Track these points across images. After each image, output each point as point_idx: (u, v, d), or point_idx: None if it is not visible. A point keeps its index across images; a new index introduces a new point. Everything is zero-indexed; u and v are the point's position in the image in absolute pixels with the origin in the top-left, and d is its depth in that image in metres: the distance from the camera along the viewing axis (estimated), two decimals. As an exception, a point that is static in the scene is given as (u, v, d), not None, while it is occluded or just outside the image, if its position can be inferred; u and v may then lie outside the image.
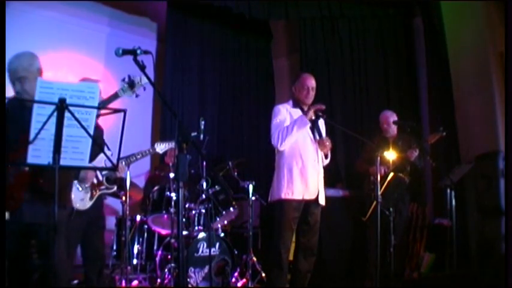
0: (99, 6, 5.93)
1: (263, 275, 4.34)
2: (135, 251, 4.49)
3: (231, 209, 4.52)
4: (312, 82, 3.75)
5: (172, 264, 4.02)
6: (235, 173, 4.72)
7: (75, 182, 3.08)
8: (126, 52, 2.22)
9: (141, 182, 5.26)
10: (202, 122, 4.34)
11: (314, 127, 3.71)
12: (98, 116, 2.64)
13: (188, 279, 3.98)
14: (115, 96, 2.72)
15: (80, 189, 3.11)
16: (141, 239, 4.55)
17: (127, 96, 2.76)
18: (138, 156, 3.71)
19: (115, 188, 3.38)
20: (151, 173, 5.72)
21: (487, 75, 5.19)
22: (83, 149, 2.21)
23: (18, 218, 2.41)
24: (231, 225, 5.28)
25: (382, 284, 3.77)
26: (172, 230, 4.22)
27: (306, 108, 3.74)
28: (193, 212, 4.42)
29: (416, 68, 6.07)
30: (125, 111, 2.23)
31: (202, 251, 4.14)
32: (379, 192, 3.54)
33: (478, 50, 5.32)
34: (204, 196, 4.36)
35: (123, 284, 3.86)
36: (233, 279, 4.25)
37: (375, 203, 3.59)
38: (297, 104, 3.76)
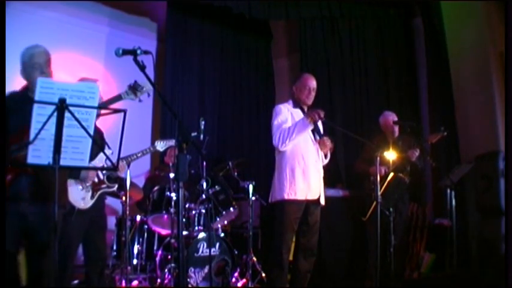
0: (99, 6, 5.92)
1: (263, 275, 4.35)
2: (135, 251, 4.50)
3: (231, 209, 4.52)
4: (313, 83, 3.75)
5: (172, 264, 4.02)
6: (235, 173, 4.72)
7: (76, 181, 3.08)
8: (126, 52, 2.22)
9: (141, 182, 5.26)
10: (202, 122, 4.34)
11: (314, 127, 3.71)
12: (98, 115, 2.65)
13: (188, 279, 3.98)
14: (118, 98, 2.73)
15: (81, 188, 3.11)
16: (141, 239, 4.55)
17: (130, 99, 2.77)
18: (139, 155, 3.71)
19: (116, 186, 3.38)
20: (150, 173, 5.73)
21: (487, 75, 5.19)
22: (83, 149, 2.21)
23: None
24: (231, 225, 5.28)
25: (382, 284, 3.77)
26: (172, 230, 4.22)
27: (306, 109, 3.74)
28: (193, 212, 4.42)
29: (416, 68, 6.08)
30: (125, 111, 2.23)
31: (202, 251, 4.14)
32: (379, 193, 3.55)
33: (478, 50, 5.32)
34: (204, 196, 4.36)
35: (123, 284, 3.86)
36: (233, 279, 4.26)
37: (375, 203, 3.60)
38: (297, 104, 3.75)
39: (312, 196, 3.60)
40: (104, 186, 3.26)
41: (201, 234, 4.19)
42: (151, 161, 6.03)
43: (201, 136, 4.33)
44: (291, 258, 3.76)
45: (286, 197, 3.54)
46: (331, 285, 4.74)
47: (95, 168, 2.98)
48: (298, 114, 3.69)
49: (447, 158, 5.40)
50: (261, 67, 7.02)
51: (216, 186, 4.55)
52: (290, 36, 6.94)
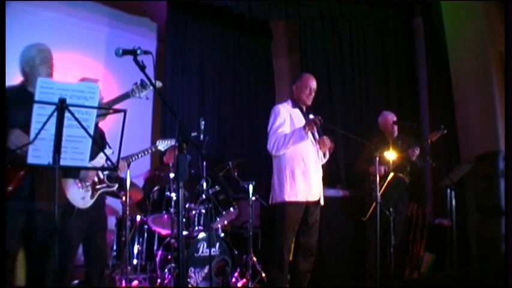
0: (99, 6, 5.92)
1: (263, 275, 4.35)
2: (135, 251, 4.50)
3: (231, 209, 4.52)
4: (314, 83, 3.73)
5: (173, 264, 4.02)
6: (235, 173, 4.72)
7: (75, 180, 3.08)
8: (126, 52, 2.22)
9: (141, 182, 5.26)
10: (202, 122, 4.34)
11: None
12: (102, 115, 2.66)
13: (188, 279, 3.98)
14: (125, 96, 2.77)
15: (80, 188, 3.11)
16: (141, 239, 4.55)
17: (137, 98, 2.82)
18: (140, 155, 3.71)
19: (116, 186, 3.38)
20: (150, 173, 5.73)
21: (487, 75, 5.19)
22: (83, 149, 2.21)
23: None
24: (231, 225, 5.28)
25: (382, 284, 3.77)
26: (172, 230, 4.22)
27: (304, 109, 3.72)
28: (194, 212, 4.43)
29: (416, 68, 6.08)
30: (125, 111, 2.23)
31: (202, 251, 4.14)
32: (379, 193, 3.55)
33: (478, 50, 5.31)
34: (204, 196, 4.36)
35: (123, 284, 3.86)
36: (233, 279, 4.26)
37: (375, 203, 3.60)
38: (296, 104, 3.73)
39: (313, 197, 3.59)
40: (103, 185, 3.26)
41: (201, 234, 4.19)
42: (151, 161, 6.03)
43: (201, 136, 4.33)
44: (290, 258, 3.76)
45: (286, 198, 3.53)
46: (331, 285, 4.73)
47: (95, 168, 2.98)
48: (297, 114, 3.68)
49: (447, 158, 5.40)
50: (261, 67, 7.02)
51: (216, 186, 4.55)
52: (290, 36, 6.93)
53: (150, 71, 2.19)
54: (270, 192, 3.74)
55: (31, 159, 2.13)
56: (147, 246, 4.56)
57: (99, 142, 3.02)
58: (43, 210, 2.56)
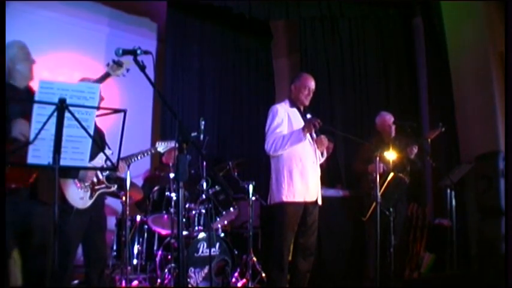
0: (99, 7, 5.92)
1: (263, 275, 4.35)
2: (135, 251, 4.50)
3: (231, 209, 4.52)
4: (312, 83, 3.72)
5: (173, 265, 4.02)
6: (235, 173, 4.72)
7: (75, 181, 3.08)
8: (126, 52, 2.22)
9: (140, 182, 5.26)
10: (202, 122, 4.34)
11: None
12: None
13: (188, 280, 3.98)
14: (106, 76, 2.99)
15: (79, 188, 3.11)
16: (141, 239, 4.55)
17: (117, 75, 3.04)
18: (139, 156, 3.71)
19: (115, 187, 3.37)
20: (149, 173, 5.73)
21: (487, 75, 5.19)
22: (83, 149, 2.21)
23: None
24: (231, 225, 5.28)
25: (382, 284, 3.76)
26: (172, 230, 4.22)
27: (302, 109, 3.71)
28: (194, 212, 4.42)
29: (416, 68, 6.08)
30: (125, 111, 2.23)
31: (202, 251, 4.14)
32: (379, 193, 3.54)
33: (478, 50, 5.32)
34: (204, 196, 4.36)
35: (123, 284, 3.86)
36: (233, 280, 4.25)
37: (375, 203, 3.60)
38: (294, 103, 3.72)
39: (310, 198, 3.59)
40: (102, 186, 3.26)
41: (201, 234, 4.19)
42: (151, 161, 6.04)
43: (201, 136, 4.33)
44: (290, 258, 3.76)
45: (284, 199, 3.53)
46: (330, 285, 4.73)
47: (95, 169, 2.98)
48: (295, 114, 3.67)
49: (447, 158, 5.40)
50: (261, 67, 7.02)
51: (216, 186, 4.55)
52: (290, 36, 6.94)
53: (150, 71, 2.19)
54: (268, 192, 3.74)
55: (31, 159, 2.13)
56: (147, 246, 4.56)
57: (98, 142, 3.02)
58: (39, 210, 2.57)
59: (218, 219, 4.47)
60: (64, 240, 2.70)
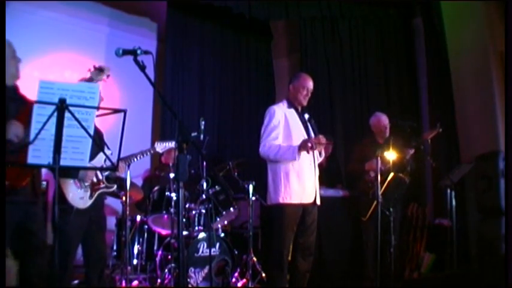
0: (99, 7, 5.93)
1: (263, 275, 4.34)
2: (135, 251, 4.50)
3: (231, 209, 4.52)
4: (311, 84, 3.70)
5: (173, 265, 4.02)
6: (235, 173, 4.72)
7: (75, 180, 3.08)
8: (126, 52, 2.22)
9: (140, 182, 5.26)
10: (202, 122, 4.33)
11: (307, 127, 3.67)
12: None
13: (188, 280, 3.98)
14: (90, 80, 3.05)
15: (79, 188, 3.11)
16: (141, 239, 4.55)
17: (99, 80, 3.12)
18: (139, 156, 3.71)
19: (115, 187, 3.37)
20: (149, 173, 5.73)
21: (487, 75, 5.19)
22: (83, 149, 2.21)
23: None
24: (231, 226, 5.28)
25: (382, 284, 3.76)
26: (172, 230, 4.22)
27: (300, 109, 3.70)
28: (194, 212, 4.42)
29: (416, 68, 6.08)
30: (125, 111, 2.23)
31: (202, 251, 4.14)
32: (379, 192, 3.55)
33: (478, 49, 5.32)
34: (204, 196, 4.35)
35: (123, 284, 3.86)
36: (233, 280, 4.26)
37: (375, 203, 3.59)
38: (291, 104, 3.70)
39: (307, 200, 3.57)
40: (102, 186, 3.26)
41: (201, 234, 4.19)
42: (151, 161, 6.04)
43: (201, 136, 4.33)
44: (289, 258, 3.76)
45: (281, 201, 3.51)
46: (331, 285, 4.73)
47: (95, 169, 2.98)
48: (292, 114, 3.65)
49: (447, 158, 5.40)
50: (261, 67, 7.02)
51: (216, 186, 4.55)
52: (290, 36, 6.94)
53: (150, 71, 2.19)
54: (265, 194, 3.73)
55: (31, 159, 2.13)
56: (147, 246, 4.56)
57: (98, 142, 3.02)
58: (34, 210, 2.58)
59: (218, 219, 4.47)
60: (64, 240, 2.71)
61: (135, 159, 3.68)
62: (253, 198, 4.50)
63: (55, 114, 2.08)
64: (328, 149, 3.74)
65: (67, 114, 2.10)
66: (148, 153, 3.84)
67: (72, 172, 3.00)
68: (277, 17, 6.14)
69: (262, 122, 3.71)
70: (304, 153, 3.53)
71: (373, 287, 4.24)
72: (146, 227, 4.55)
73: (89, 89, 2.19)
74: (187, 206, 4.39)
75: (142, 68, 2.18)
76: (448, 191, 4.65)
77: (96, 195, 3.20)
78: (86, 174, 3.11)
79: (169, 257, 4.13)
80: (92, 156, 2.44)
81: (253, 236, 4.55)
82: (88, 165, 2.40)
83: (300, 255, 3.63)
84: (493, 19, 5.17)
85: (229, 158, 5.08)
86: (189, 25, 6.26)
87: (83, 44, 5.64)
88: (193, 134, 4.29)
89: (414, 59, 6.09)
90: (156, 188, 4.65)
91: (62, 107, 2.08)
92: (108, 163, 2.41)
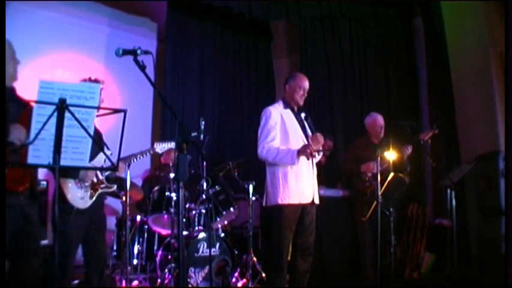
0: (99, 7, 5.93)
1: (263, 275, 4.34)
2: (135, 251, 4.50)
3: (231, 209, 4.52)
4: (307, 83, 3.69)
5: (173, 265, 4.02)
6: (235, 173, 4.72)
7: (75, 180, 3.08)
8: (126, 52, 2.21)
9: (140, 182, 5.26)
10: (202, 122, 4.33)
11: (304, 127, 3.67)
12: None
13: (188, 280, 3.98)
14: None
15: (80, 188, 3.11)
16: (141, 239, 4.55)
17: None
18: (138, 156, 3.71)
19: (115, 187, 3.38)
20: (149, 173, 5.73)
21: (487, 75, 5.19)
22: (83, 149, 2.21)
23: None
24: (231, 225, 5.28)
25: (382, 284, 3.76)
26: (172, 230, 4.22)
27: (296, 109, 3.70)
28: (194, 212, 4.42)
29: (416, 68, 6.08)
30: (125, 111, 2.23)
31: (202, 251, 4.14)
32: (379, 192, 3.54)
33: (478, 49, 5.32)
34: (204, 196, 4.35)
35: (123, 284, 3.86)
36: (233, 280, 4.26)
37: (375, 203, 3.59)
38: (287, 104, 3.69)
39: (306, 200, 3.56)
40: (102, 186, 3.26)
41: (201, 234, 4.19)
42: (151, 161, 6.04)
43: (201, 136, 4.32)
44: (289, 258, 3.75)
45: (279, 201, 3.51)
46: (331, 285, 4.73)
47: (95, 169, 2.98)
48: (288, 114, 3.63)
49: (447, 158, 5.40)
50: (261, 67, 7.02)
51: (216, 186, 4.55)
52: (290, 36, 6.94)
53: (150, 71, 2.19)
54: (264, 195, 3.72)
55: (31, 159, 2.13)
56: (147, 246, 4.56)
57: (98, 142, 3.02)
58: (31, 212, 2.58)
59: (218, 219, 4.47)
60: (64, 240, 2.71)
61: (135, 160, 3.68)
62: (253, 198, 4.51)
63: (55, 114, 2.08)
64: (326, 146, 3.71)
65: (67, 114, 2.10)
66: (148, 154, 3.84)
67: (73, 172, 3.01)
68: (277, 17, 6.14)
69: (258, 123, 3.70)
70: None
71: (373, 287, 4.24)
72: (146, 227, 4.55)
73: (89, 89, 2.19)
74: (187, 206, 4.39)
75: (142, 68, 2.18)
76: (448, 191, 4.65)
77: (96, 195, 3.20)
78: (86, 174, 3.11)
79: (169, 257, 4.13)
80: (92, 157, 2.44)
81: (253, 236, 4.55)
82: (88, 165, 2.40)
83: (300, 256, 3.62)
84: (493, 19, 5.17)
85: (229, 158, 5.08)
86: (189, 25, 6.26)
87: (83, 44, 5.65)
88: (193, 134, 4.29)
89: (414, 59, 6.09)
90: (156, 188, 4.65)
91: (62, 107, 2.08)
92: (108, 163, 2.41)
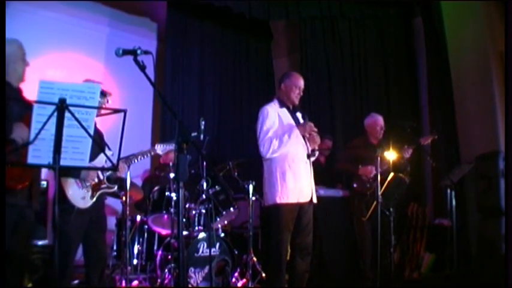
0: (99, 7, 5.93)
1: (263, 275, 4.34)
2: (135, 251, 4.50)
3: (231, 209, 4.51)
4: (302, 82, 3.69)
5: (173, 265, 4.02)
6: (235, 173, 4.72)
7: (76, 180, 3.08)
8: (126, 52, 2.21)
9: (140, 182, 5.26)
10: (202, 122, 4.33)
11: (295, 117, 3.67)
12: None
13: (188, 280, 3.98)
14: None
15: (81, 188, 3.11)
16: (141, 239, 4.55)
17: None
18: (139, 157, 3.70)
19: (116, 187, 3.38)
20: (149, 173, 5.73)
21: (487, 74, 5.20)
22: (83, 149, 2.21)
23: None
24: (231, 225, 5.28)
25: (382, 284, 3.76)
26: (172, 230, 4.22)
27: (291, 108, 3.70)
28: (194, 212, 4.42)
29: (416, 68, 6.08)
30: (125, 111, 2.23)
31: (202, 251, 4.14)
32: (379, 192, 3.55)
33: (478, 49, 5.32)
34: (204, 196, 4.35)
35: (123, 284, 3.86)
36: (233, 280, 4.25)
37: (375, 203, 3.59)
38: (283, 103, 3.69)
39: (304, 199, 3.57)
40: (103, 186, 3.26)
41: (201, 234, 4.18)
42: (151, 161, 6.04)
43: (201, 136, 4.32)
44: (288, 258, 3.75)
45: (278, 201, 3.51)
46: (331, 285, 4.73)
47: (95, 169, 2.98)
48: (285, 113, 3.65)
49: (447, 158, 5.40)
50: (261, 67, 7.02)
51: (216, 186, 4.55)
52: (290, 36, 6.94)
53: (150, 71, 2.19)
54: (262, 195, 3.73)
55: (31, 159, 2.13)
56: (147, 246, 4.56)
57: (99, 142, 3.02)
58: (28, 213, 2.58)
59: (218, 219, 4.46)
60: (64, 240, 2.71)
61: (136, 160, 3.68)
62: (253, 198, 4.51)
63: (55, 114, 2.08)
64: (325, 146, 3.72)
65: (67, 114, 2.10)
66: (149, 155, 3.83)
67: (74, 172, 3.01)
68: (277, 17, 6.14)
69: (256, 122, 3.71)
70: (299, 151, 3.54)
71: (373, 287, 4.24)
72: (146, 227, 4.54)
73: (89, 89, 2.19)
74: (187, 206, 4.39)
75: (142, 68, 2.18)
76: (448, 191, 4.65)
77: (97, 195, 3.20)
78: (88, 174, 3.11)
79: (169, 257, 4.13)
80: (93, 157, 2.44)
81: (253, 236, 4.55)
82: (88, 165, 2.40)
83: (298, 256, 3.62)
84: (493, 19, 5.18)
85: (229, 158, 5.07)
86: (189, 25, 6.26)
87: (83, 44, 5.65)
88: (193, 134, 4.29)
89: (414, 59, 6.09)
90: (156, 188, 4.65)
91: (62, 107, 2.08)
92: (108, 163, 2.41)
